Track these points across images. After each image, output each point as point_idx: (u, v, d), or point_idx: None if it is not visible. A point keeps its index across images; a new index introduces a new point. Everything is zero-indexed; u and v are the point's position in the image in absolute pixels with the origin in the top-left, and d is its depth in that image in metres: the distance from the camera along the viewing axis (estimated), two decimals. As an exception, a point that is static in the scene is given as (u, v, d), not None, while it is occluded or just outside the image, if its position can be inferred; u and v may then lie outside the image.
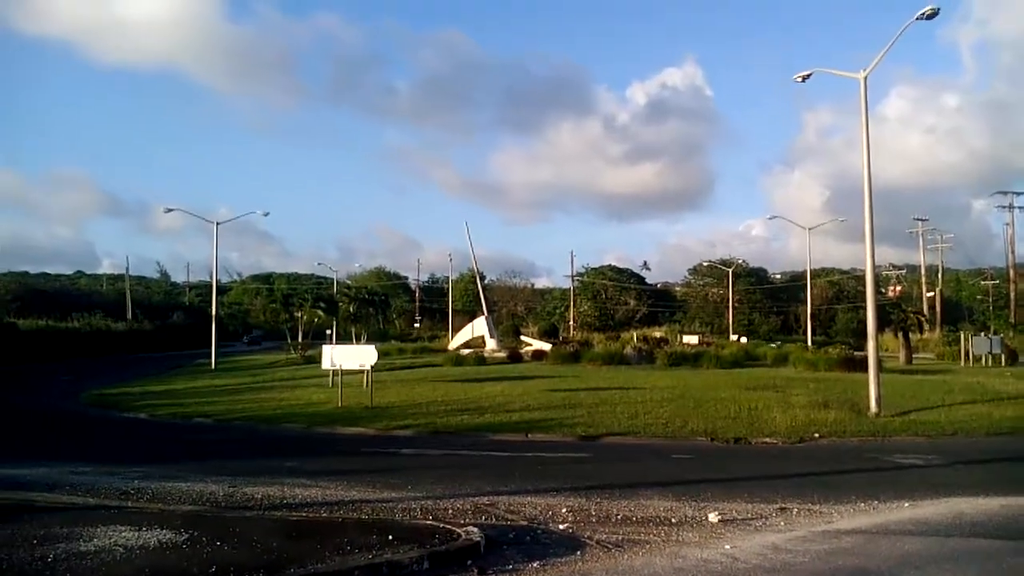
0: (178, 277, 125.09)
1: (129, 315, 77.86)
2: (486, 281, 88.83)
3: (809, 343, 60.34)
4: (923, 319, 63.65)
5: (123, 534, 8.52)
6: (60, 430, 22.53)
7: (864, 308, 26.67)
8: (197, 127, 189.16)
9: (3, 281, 76.39)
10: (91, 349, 59.56)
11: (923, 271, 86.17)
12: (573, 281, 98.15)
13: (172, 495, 11.86)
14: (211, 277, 62.57)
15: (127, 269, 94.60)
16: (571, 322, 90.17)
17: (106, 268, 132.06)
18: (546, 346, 51.97)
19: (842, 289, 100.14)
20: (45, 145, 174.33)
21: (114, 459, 15.94)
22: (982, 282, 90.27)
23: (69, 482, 12.84)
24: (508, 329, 70.47)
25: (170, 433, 21.71)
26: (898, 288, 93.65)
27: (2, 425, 23.24)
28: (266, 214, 58.00)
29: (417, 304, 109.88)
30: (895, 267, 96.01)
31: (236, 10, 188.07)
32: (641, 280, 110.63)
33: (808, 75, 25.10)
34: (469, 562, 8.05)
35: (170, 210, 56.39)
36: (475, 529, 9.01)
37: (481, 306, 61.81)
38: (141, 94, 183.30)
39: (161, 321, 78.38)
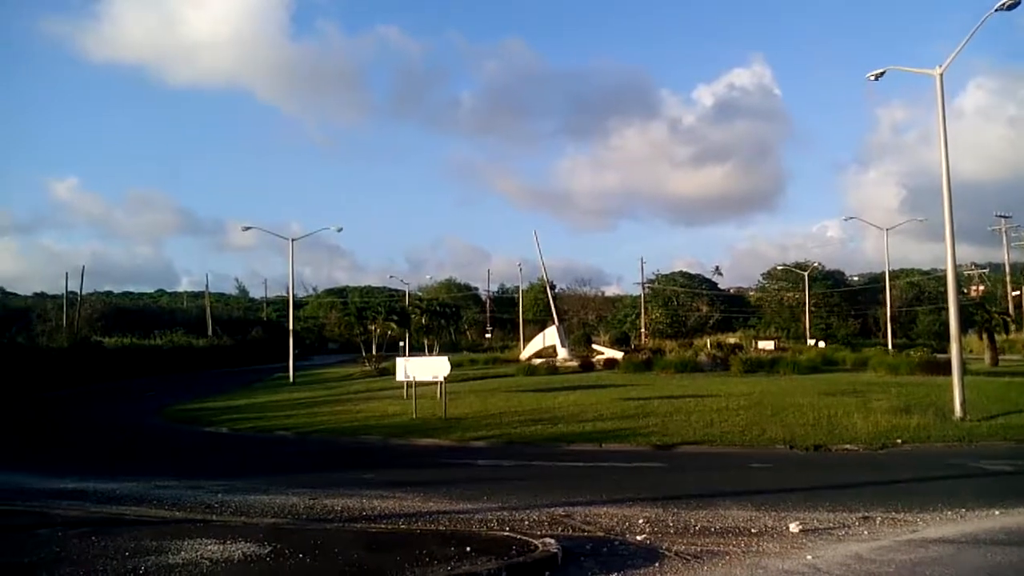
0: (256, 293, 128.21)
1: (210, 331, 79.90)
2: (556, 290, 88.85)
3: (889, 346, 58.87)
4: (1008, 319, 61.40)
5: (209, 547, 8.77)
6: (145, 445, 23.24)
7: (946, 309, 25.91)
8: (265, 144, 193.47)
9: (89, 301, 78.95)
10: (174, 365, 61.26)
11: (1007, 269, 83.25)
12: (644, 288, 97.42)
13: (254, 508, 12.16)
14: (287, 292, 63.94)
15: (207, 286, 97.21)
16: (642, 330, 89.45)
17: (185, 286, 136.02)
18: (618, 354, 51.68)
19: (922, 290, 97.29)
20: (123, 167, 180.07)
21: (197, 473, 16.38)
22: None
23: (155, 496, 13.26)
24: (579, 338, 70.12)
25: (251, 446, 22.20)
26: (981, 288, 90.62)
27: (91, 441, 24.08)
28: (339, 230, 59.16)
29: (488, 315, 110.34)
30: (977, 266, 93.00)
31: (298, 28, 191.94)
32: (713, 285, 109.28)
33: (881, 73, 24.57)
34: (547, 574, 8.09)
35: (247, 228, 58.19)
36: (552, 540, 9.02)
37: (552, 315, 61.80)
38: (211, 114, 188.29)
39: (240, 336, 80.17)
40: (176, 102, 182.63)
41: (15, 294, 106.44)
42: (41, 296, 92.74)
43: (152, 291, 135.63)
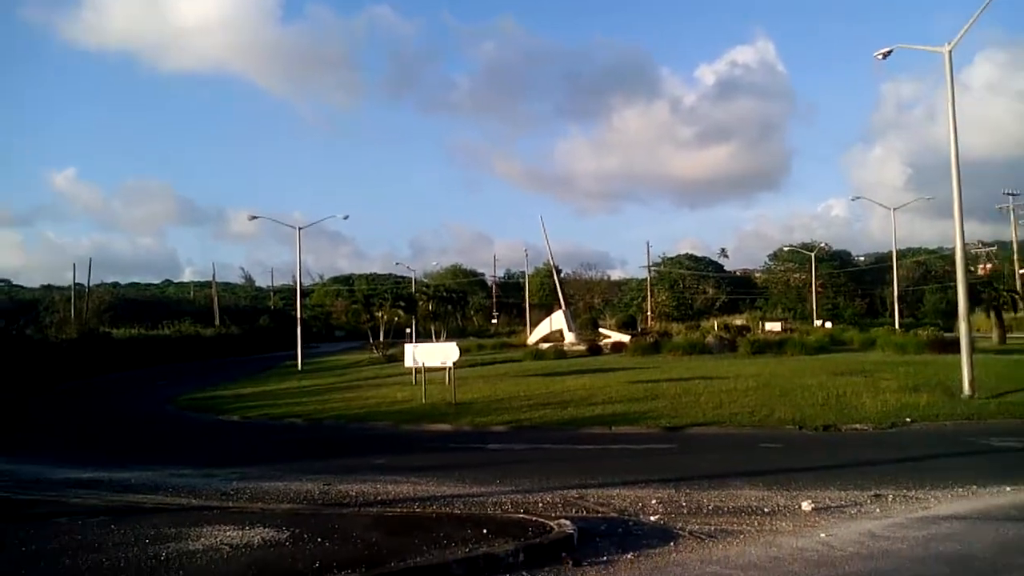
0: (261, 282, 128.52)
1: (217, 321, 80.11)
2: (562, 274, 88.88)
3: (897, 326, 58.86)
4: (1016, 296, 61.38)
5: (228, 533, 8.85)
6: (158, 434, 23.39)
7: (953, 288, 25.91)
8: (260, 130, 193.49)
9: (96, 292, 79.21)
10: (182, 355, 61.43)
11: (1015, 247, 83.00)
12: (650, 271, 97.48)
13: (270, 494, 12.25)
14: (294, 281, 64.29)
15: (214, 276, 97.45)
16: (649, 313, 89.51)
17: (188, 276, 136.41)
18: (625, 338, 51.72)
19: (929, 269, 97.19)
20: (120, 156, 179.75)
21: (211, 461, 16.46)
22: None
23: (171, 484, 13.36)
24: (586, 322, 70.33)
25: (263, 434, 22.33)
26: (988, 266, 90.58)
27: (104, 431, 24.24)
28: (346, 217, 59.15)
29: (494, 300, 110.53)
30: (985, 244, 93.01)
31: (288, 11, 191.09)
32: (719, 268, 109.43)
33: (889, 52, 24.37)
34: (563, 554, 8.13)
35: (254, 217, 58.09)
36: (567, 521, 9.09)
37: (558, 300, 61.88)
38: (204, 100, 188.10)
39: (248, 325, 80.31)
40: (169, 89, 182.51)
41: (21, 287, 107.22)
42: (48, 288, 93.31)
43: (158, 281, 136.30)
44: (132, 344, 58.27)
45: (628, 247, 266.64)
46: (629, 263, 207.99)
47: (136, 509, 10.86)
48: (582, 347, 49.47)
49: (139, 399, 34.47)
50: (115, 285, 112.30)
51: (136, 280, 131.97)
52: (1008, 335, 49.13)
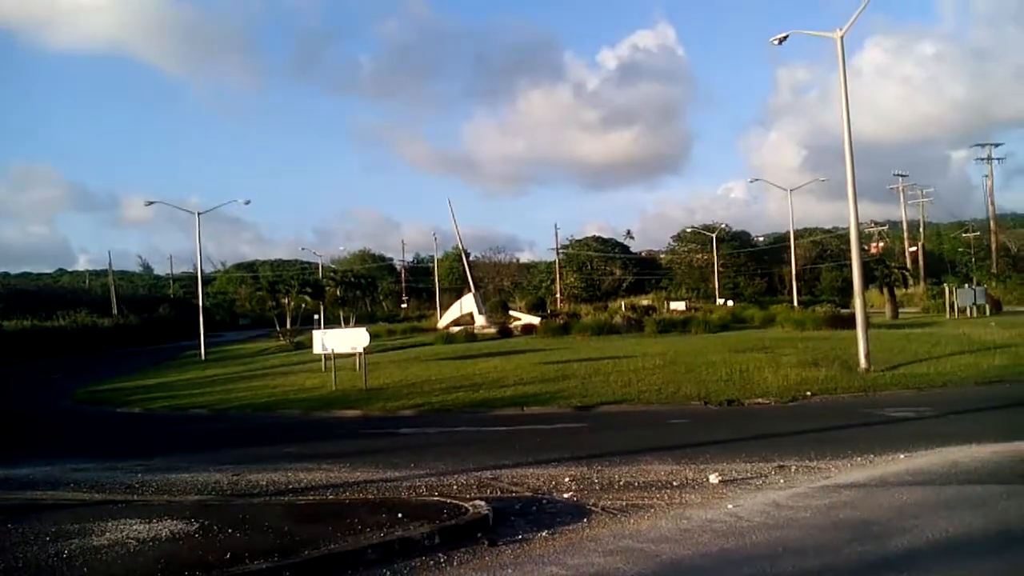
0: (160, 269, 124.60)
1: (115, 310, 77.40)
2: (471, 258, 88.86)
3: (795, 303, 60.77)
4: (907, 274, 64.35)
5: (134, 527, 8.60)
6: (56, 429, 22.49)
7: (848, 266, 26.90)
8: (154, 112, 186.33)
9: (-16, 283, 75.73)
10: (79, 346, 59.24)
11: (905, 226, 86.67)
12: (558, 253, 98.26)
13: (177, 486, 11.94)
14: (195, 268, 62.49)
15: (110, 264, 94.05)
16: (558, 294, 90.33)
17: (83, 264, 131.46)
18: (535, 320, 52.05)
19: (825, 248, 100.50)
20: (4, 140, 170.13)
21: (114, 454, 15.98)
22: (963, 234, 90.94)
23: (72, 479, 12.90)
24: (496, 305, 70.54)
25: (167, 426, 21.72)
26: (880, 244, 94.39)
27: (-3, 427, 23.20)
28: (247, 202, 57.64)
29: (403, 285, 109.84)
30: (876, 223, 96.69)
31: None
32: (626, 249, 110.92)
33: (784, 37, 25.08)
34: (479, 534, 8.18)
35: (151, 203, 56.29)
36: (482, 502, 9.14)
37: (468, 283, 61.81)
38: (94, 81, 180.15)
39: (147, 315, 77.87)
40: (57, 69, 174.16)
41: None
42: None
43: (51, 271, 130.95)
44: (25, 336, 55.88)
45: (536, 230, 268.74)
46: (538, 245, 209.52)
47: (35, 507, 10.44)
48: (493, 330, 49.56)
49: (34, 393, 33.12)
50: (5, 276, 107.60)
51: (28, 270, 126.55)
52: (900, 310, 51.39)
